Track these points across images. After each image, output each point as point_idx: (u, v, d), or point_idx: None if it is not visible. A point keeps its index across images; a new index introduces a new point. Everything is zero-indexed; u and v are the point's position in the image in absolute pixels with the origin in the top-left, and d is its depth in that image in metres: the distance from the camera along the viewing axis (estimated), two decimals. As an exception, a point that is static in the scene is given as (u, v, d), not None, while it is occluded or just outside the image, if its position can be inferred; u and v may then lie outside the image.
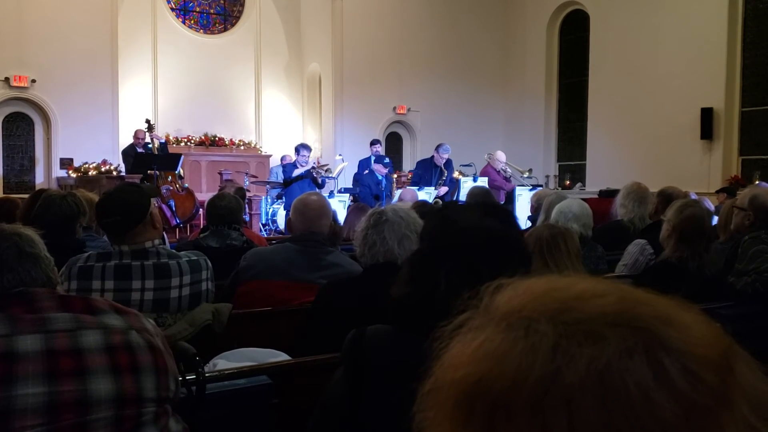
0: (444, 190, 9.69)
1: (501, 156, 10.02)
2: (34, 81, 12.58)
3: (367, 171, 10.12)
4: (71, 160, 12.55)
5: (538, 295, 0.53)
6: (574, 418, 0.46)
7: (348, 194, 10.31)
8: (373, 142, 10.76)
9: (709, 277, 3.25)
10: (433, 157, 9.97)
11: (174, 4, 15.58)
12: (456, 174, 10.90)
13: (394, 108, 15.72)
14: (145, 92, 14.77)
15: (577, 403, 0.47)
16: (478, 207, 1.34)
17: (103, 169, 11.71)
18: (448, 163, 9.88)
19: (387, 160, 10.35)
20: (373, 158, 10.21)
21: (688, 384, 0.47)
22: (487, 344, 0.51)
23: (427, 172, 9.90)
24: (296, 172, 9.57)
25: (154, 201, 2.71)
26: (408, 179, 11.61)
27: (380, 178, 9.86)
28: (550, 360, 0.48)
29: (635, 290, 0.54)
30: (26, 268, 1.50)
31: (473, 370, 0.50)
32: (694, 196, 6.75)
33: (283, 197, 10.52)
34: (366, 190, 9.65)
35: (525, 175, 10.66)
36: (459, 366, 0.51)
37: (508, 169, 9.97)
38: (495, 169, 9.94)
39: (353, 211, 5.87)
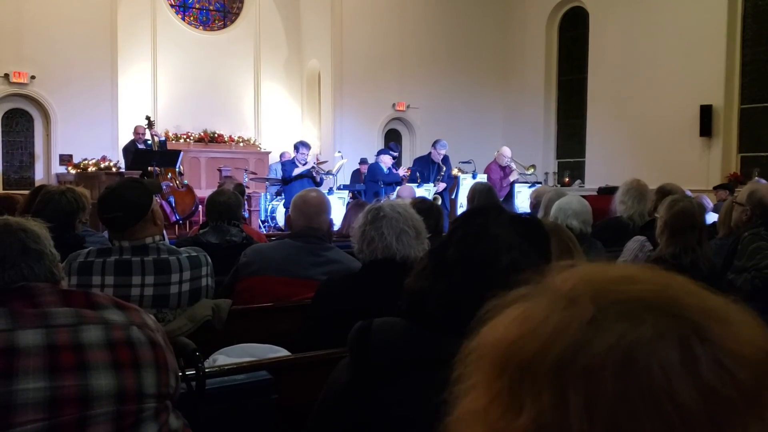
0: (442, 186, 9.66)
1: (506, 151, 9.99)
2: (33, 77, 12.58)
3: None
4: (71, 156, 12.54)
5: (589, 275, 0.55)
6: (592, 389, 0.47)
7: (347, 191, 10.30)
8: (379, 153, 10.54)
9: (705, 272, 3.25)
10: (430, 153, 9.94)
11: (173, 0, 15.56)
12: (455, 171, 10.90)
13: (394, 105, 15.72)
14: (145, 89, 14.75)
15: (598, 375, 0.48)
16: (515, 224, 1.35)
17: (102, 166, 11.69)
18: (446, 159, 9.84)
19: (391, 152, 10.31)
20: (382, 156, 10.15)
21: (715, 376, 0.48)
22: (528, 311, 0.53)
23: (425, 168, 9.87)
24: (296, 171, 9.56)
25: (155, 197, 2.71)
26: (406, 176, 11.60)
27: (386, 170, 9.83)
28: (583, 331, 0.50)
29: (688, 282, 0.55)
30: (29, 264, 1.50)
31: (510, 332, 0.52)
32: (688, 194, 6.77)
33: (282, 194, 10.52)
34: (371, 185, 9.65)
35: (529, 172, 10.65)
36: (499, 328, 0.54)
37: (513, 165, 9.95)
38: (499, 166, 9.90)
39: (352, 208, 5.87)
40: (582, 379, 0.48)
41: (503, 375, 0.51)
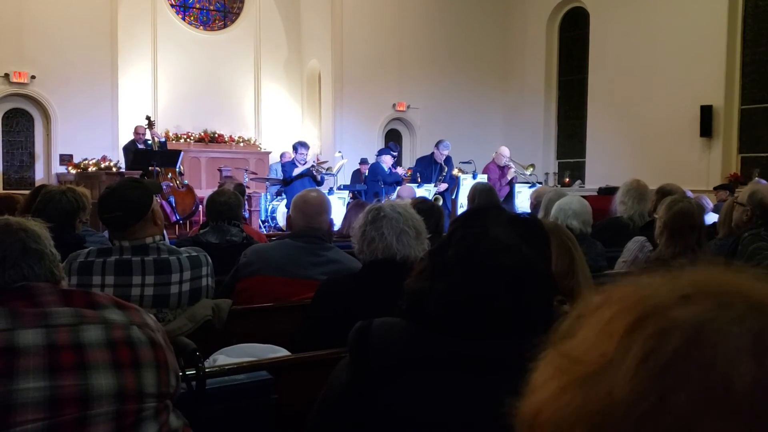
0: (444, 186, 9.69)
1: (504, 151, 9.99)
2: (33, 77, 12.58)
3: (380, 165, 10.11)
4: (71, 156, 12.56)
5: (714, 270, 0.57)
6: (653, 347, 0.49)
7: (347, 191, 10.32)
8: (380, 152, 10.59)
9: None
10: (433, 153, 9.96)
11: (174, 0, 15.56)
12: (455, 171, 10.91)
13: (394, 105, 15.72)
14: (145, 89, 14.76)
15: (665, 336, 0.50)
16: (515, 224, 1.35)
17: (102, 165, 11.72)
18: (448, 160, 9.87)
19: (391, 151, 10.34)
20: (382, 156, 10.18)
21: None
22: (644, 280, 0.57)
23: (427, 168, 9.90)
24: (296, 171, 9.61)
25: (155, 197, 2.71)
26: (408, 176, 11.62)
27: (386, 171, 9.85)
28: (672, 300, 0.52)
29: None
30: (30, 264, 1.50)
31: (624, 291, 0.56)
32: (689, 195, 6.77)
33: (283, 194, 10.54)
34: (372, 185, 9.67)
35: (528, 172, 10.64)
36: (622, 286, 0.58)
37: (512, 165, 9.95)
38: (498, 166, 9.92)
39: (353, 208, 5.88)
40: (650, 338, 0.50)
41: (602, 318, 0.55)
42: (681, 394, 0.47)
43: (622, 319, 0.53)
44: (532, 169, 10.77)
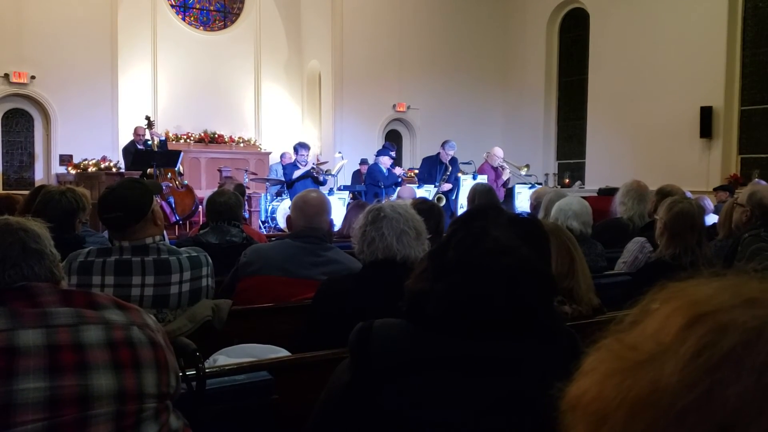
0: (448, 186, 9.69)
1: (498, 152, 10.00)
2: (33, 77, 12.58)
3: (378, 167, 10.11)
4: (71, 156, 12.55)
5: None
6: (709, 342, 0.50)
7: (348, 192, 10.32)
8: (378, 153, 10.58)
9: (705, 274, 3.24)
10: (438, 153, 9.97)
11: (174, 0, 15.56)
12: (456, 172, 10.92)
13: (394, 106, 15.72)
14: (145, 89, 14.76)
15: (722, 333, 0.50)
16: (514, 225, 1.35)
17: (102, 166, 11.71)
18: (454, 161, 9.87)
19: (389, 151, 10.33)
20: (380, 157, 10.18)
21: None
22: (720, 282, 0.58)
23: (432, 168, 9.91)
24: (297, 173, 9.65)
25: (155, 198, 2.71)
26: (409, 176, 11.62)
27: (385, 172, 9.86)
28: (735, 302, 0.53)
29: None
30: (30, 264, 1.50)
31: (695, 288, 0.57)
32: (689, 196, 6.77)
33: (282, 195, 10.56)
34: (371, 187, 9.68)
35: (523, 172, 10.63)
36: (698, 284, 0.59)
37: (506, 165, 9.95)
38: (492, 166, 9.93)
39: (353, 209, 5.88)
40: (708, 333, 0.51)
41: (664, 312, 0.56)
42: (729, 391, 0.47)
43: (682, 314, 0.53)
44: (526, 169, 10.77)
